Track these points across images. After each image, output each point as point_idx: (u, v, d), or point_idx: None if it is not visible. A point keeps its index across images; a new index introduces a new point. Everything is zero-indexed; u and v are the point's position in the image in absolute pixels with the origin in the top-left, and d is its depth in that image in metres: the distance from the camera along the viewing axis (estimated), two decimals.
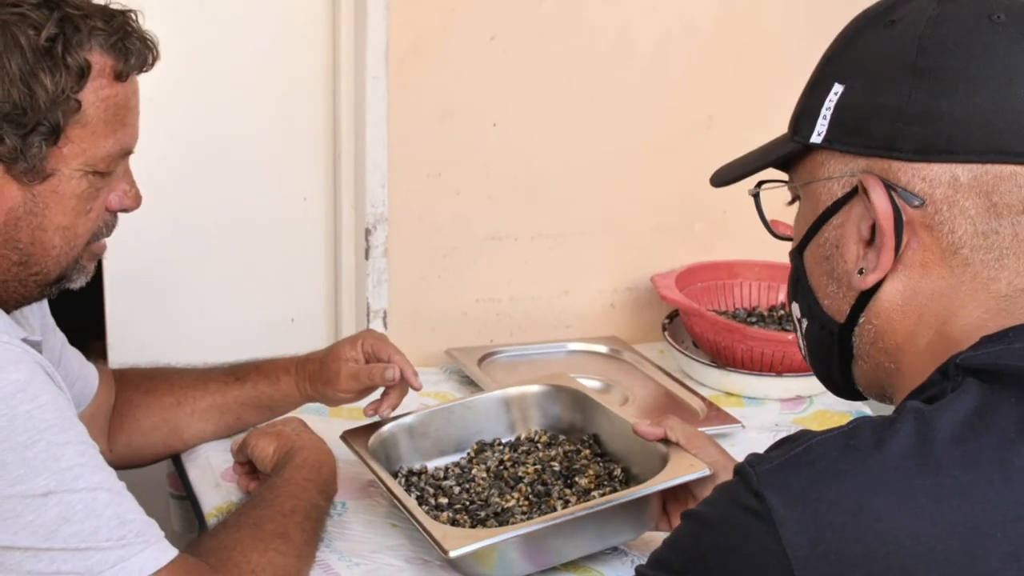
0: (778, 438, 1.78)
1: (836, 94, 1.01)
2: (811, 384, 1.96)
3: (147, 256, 1.95)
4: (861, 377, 1.07)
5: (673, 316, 2.15)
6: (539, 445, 1.64)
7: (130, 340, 1.96)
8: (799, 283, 1.08)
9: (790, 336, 1.96)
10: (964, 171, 0.95)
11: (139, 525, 1.21)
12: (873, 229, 0.99)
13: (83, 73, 1.22)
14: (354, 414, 1.85)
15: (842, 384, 1.09)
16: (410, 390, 1.63)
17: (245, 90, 1.95)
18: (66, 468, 1.18)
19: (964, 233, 0.96)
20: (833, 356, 1.07)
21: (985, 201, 0.95)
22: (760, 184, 1.13)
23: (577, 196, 2.12)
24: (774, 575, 0.88)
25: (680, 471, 1.42)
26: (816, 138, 1.01)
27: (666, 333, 2.09)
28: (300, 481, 1.43)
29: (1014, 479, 0.87)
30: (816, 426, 1.86)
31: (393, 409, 1.60)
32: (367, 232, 1.98)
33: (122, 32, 1.26)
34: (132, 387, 1.66)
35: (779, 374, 1.96)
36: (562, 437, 1.66)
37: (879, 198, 0.97)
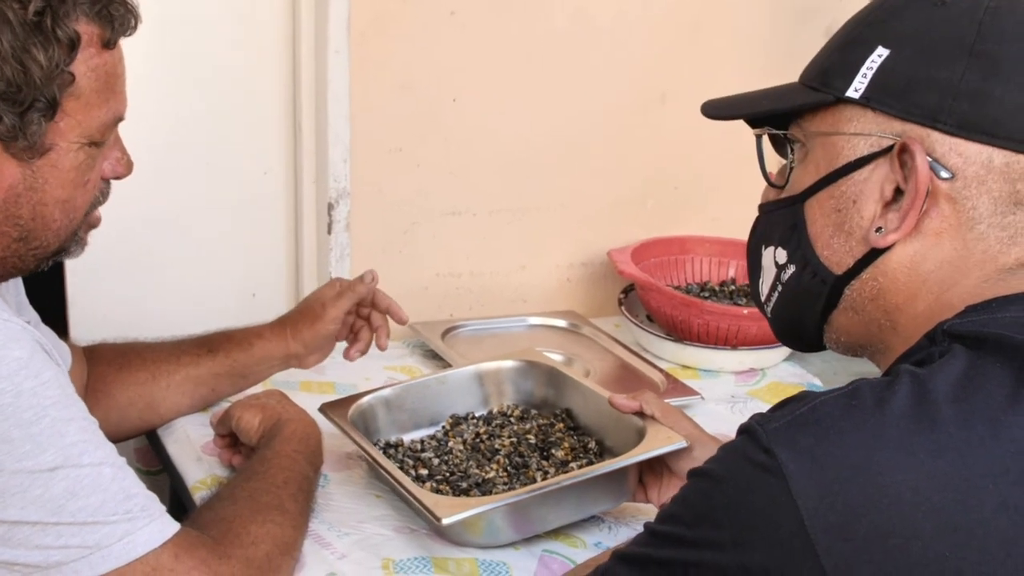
0: (734, 409, 1.87)
1: (880, 56, 1.03)
2: (764, 357, 2.02)
3: (107, 232, 1.90)
4: (843, 328, 1.11)
5: (628, 290, 2.18)
6: (512, 419, 1.66)
7: (91, 317, 1.95)
8: (794, 230, 1.10)
9: (745, 311, 2.01)
10: (999, 155, 1.00)
11: (143, 499, 1.22)
12: (896, 192, 1.03)
13: (74, 45, 1.21)
14: (324, 389, 1.87)
15: (809, 335, 1.14)
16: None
17: (205, 64, 1.94)
18: (71, 444, 1.18)
19: (985, 211, 1.01)
20: (815, 305, 1.11)
21: (1010, 187, 1.00)
22: (762, 127, 1.15)
23: (535, 172, 2.15)
24: (785, 525, 0.92)
25: (658, 443, 1.46)
26: (853, 93, 1.04)
27: (623, 307, 2.13)
28: (290, 453, 1.45)
29: (1003, 436, 0.92)
30: (769, 398, 1.93)
31: (382, 340, 1.71)
32: (329, 207, 1.99)
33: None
34: (105, 363, 1.65)
35: (734, 347, 2.01)
36: (534, 411, 1.69)
37: (922, 163, 1.01)
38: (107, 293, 1.96)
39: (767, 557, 0.93)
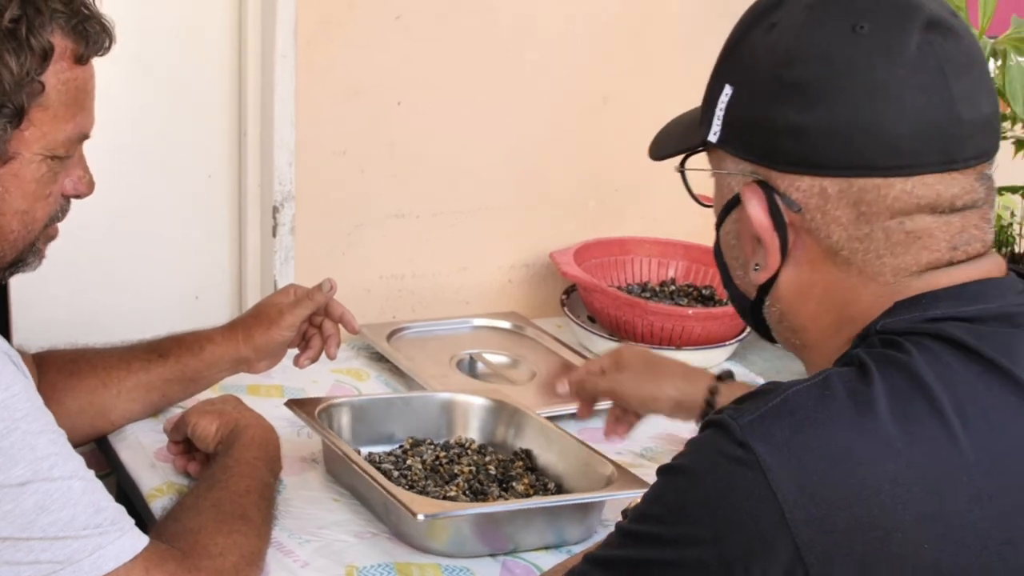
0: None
1: (727, 96, 1.04)
2: (709, 357, 2.05)
3: None
4: (780, 341, 1.14)
5: (570, 291, 2.21)
6: (470, 451, 1.66)
7: (33, 321, 1.93)
8: (718, 257, 1.13)
9: (690, 311, 2.04)
10: (831, 184, 1.00)
11: (113, 513, 1.21)
12: None
13: (46, 55, 1.21)
14: (272, 393, 1.87)
15: (770, 339, 1.16)
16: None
17: (149, 68, 1.93)
18: (42, 457, 1.17)
19: (840, 238, 1.01)
20: (753, 323, 1.14)
21: (854, 210, 1.00)
22: (684, 162, 1.15)
23: (477, 174, 2.16)
24: (764, 518, 0.92)
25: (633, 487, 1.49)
26: (712, 137, 1.05)
27: (565, 308, 2.15)
28: (250, 460, 1.45)
29: (971, 428, 0.94)
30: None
31: (332, 348, 1.71)
32: (275, 209, 1.99)
33: (81, 15, 1.26)
34: (55, 370, 1.64)
35: (678, 347, 2.04)
36: (491, 448, 1.68)
37: (755, 210, 1.02)
38: (50, 297, 1.94)
39: (748, 551, 0.93)
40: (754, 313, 1.11)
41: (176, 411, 1.68)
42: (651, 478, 1.55)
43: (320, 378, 1.93)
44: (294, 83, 1.93)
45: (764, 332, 1.14)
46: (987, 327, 0.99)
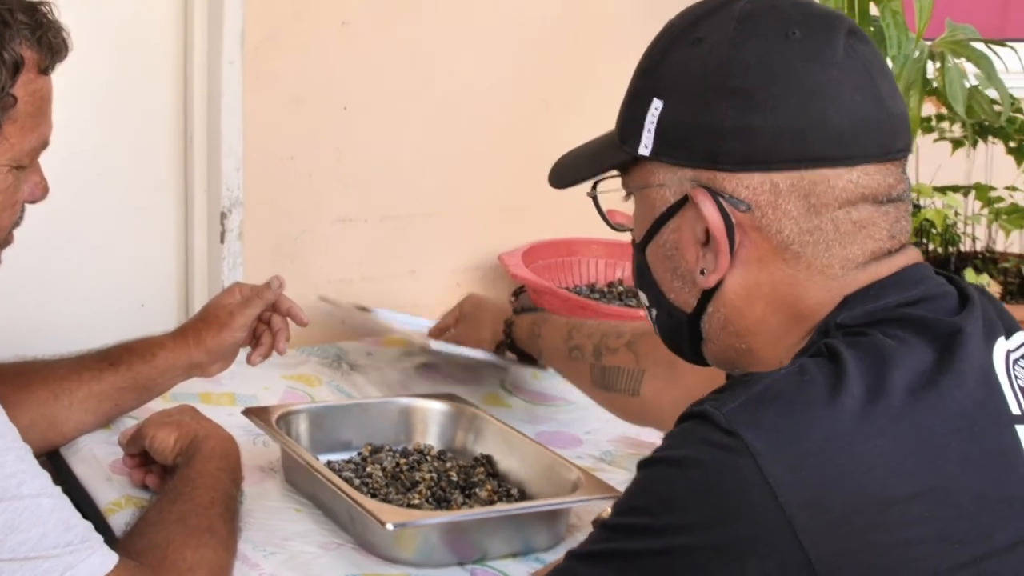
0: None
1: (657, 109, 1.06)
2: None
3: None
4: (710, 356, 1.13)
5: (518, 293, 2.21)
6: (429, 458, 1.66)
7: None
8: (643, 277, 1.13)
9: (640, 312, 2.05)
10: (782, 178, 1.02)
11: (82, 530, 1.19)
12: (708, 232, 1.05)
13: (18, 68, 1.19)
14: (224, 401, 1.85)
15: (696, 360, 1.16)
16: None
17: (95, 74, 1.90)
18: (10, 475, 1.15)
19: (790, 232, 1.03)
20: (683, 339, 1.13)
21: (804, 203, 1.02)
22: (596, 186, 1.18)
23: (424, 178, 2.16)
24: (758, 503, 0.92)
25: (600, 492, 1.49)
26: (644, 151, 1.06)
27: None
28: (213, 471, 1.43)
29: (946, 397, 0.96)
30: None
31: (281, 344, 1.70)
32: (222, 216, 1.98)
33: (43, 26, 1.24)
34: (3, 383, 1.60)
35: None
36: (450, 454, 1.68)
37: (709, 210, 1.03)
38: None
39: (742, 538, 0.93)
40: (691, 326, 1.10)
41: (130, 423, 1.66)
42: (614, 482, 1.59)
43: (271, 384, 1.91)
44: (241, 89, 1.91)
45: (693, 352, 1.14)
46: (933, 304, 1.04)
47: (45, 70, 1.23)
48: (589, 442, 1.80)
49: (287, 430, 1.59)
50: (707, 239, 1.05)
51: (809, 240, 1.03)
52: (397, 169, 2.12)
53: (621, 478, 1.67)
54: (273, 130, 1.99)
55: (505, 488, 1.59)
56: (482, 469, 1.63)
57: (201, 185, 1.98)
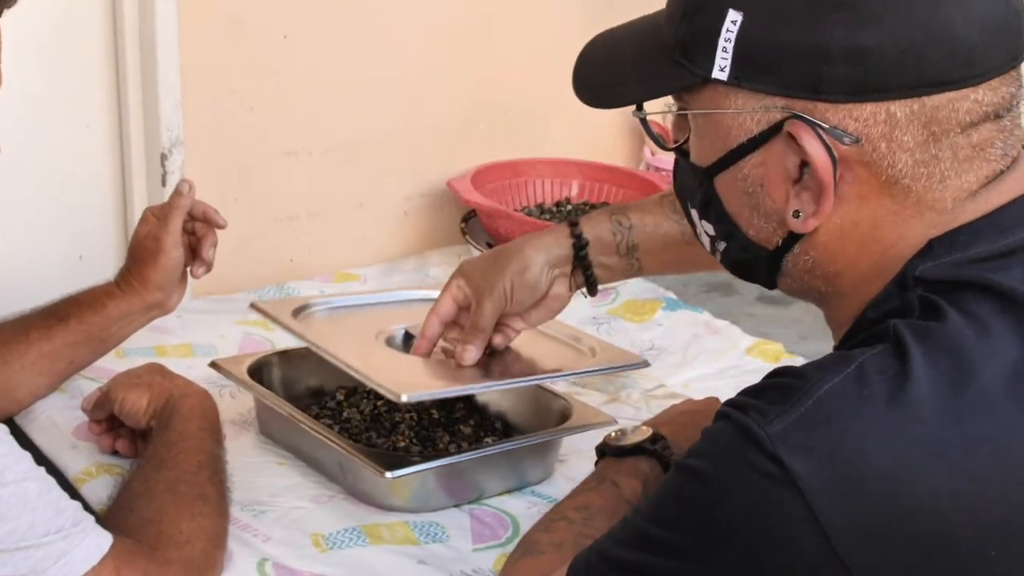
0: (601, 330, 1.85)
1: (735, 23, 0.92)
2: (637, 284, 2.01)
3: None
4: (786, 290, 1.05)
5: (468, 218, 2.15)
6: None
7: None
8: (712, 206, 1.01)
9: None
10: (899, 107, 0.90)
11: (72, 512, 1.12)
12: (802, 168, 0.93)
13: None
14: (182, 352, 1.77)
15: (765, 286, 1.07)
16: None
17: (13, 12, 1.77)
18: None
19: (904, 165, 0.92)
20: (759, 272, 1.04)
21: (924, 132, 0.91)
22: (641, 107, 1.06)
23: (367, 106, 2.07)
24: (807, 544, 0.84)
25: (590, 419, 1.45)
26: (720, 74, 0.93)
27: (467, 236, 2.09)
28: (195, 432, 1.36)
29: None
30: (628, 315, 1.92)
31: (207, 250, 1.59)
32: (163, 157, 1.87)
33: None
34: None
35: None
36: None
37: (813, 147, 0.91)
38: None
39: (784, 565, 0.86)
40: (771, 261, 1.00)
41: (88, 386, 1.58)
42: (593, 403, 1.54)
43: (226, 331, 1.84)
44: (176, 20, 1.80)
45: (766, 282, 1.04)
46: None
47: None
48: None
49: (260, 381, 1.52)
50: (800, 175, 0.94)
51: (923, 172, 0.92)
52: (339, 98, 2.03)
53: (598, 400, 1.64)
54: (211, 64, 1.88)
55: (490, 423, 1.53)
56: (461, 404, 1.57)
57: (138, 126, 1.87)
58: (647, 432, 1.31)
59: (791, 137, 0.93)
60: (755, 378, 1.73)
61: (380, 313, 1.60)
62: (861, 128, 0.91)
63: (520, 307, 1.41)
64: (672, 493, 0.94)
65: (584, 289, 1.44)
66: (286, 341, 1.79)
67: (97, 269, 1.92)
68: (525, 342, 1.48)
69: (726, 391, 1.67)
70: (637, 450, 1.29)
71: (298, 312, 1.56)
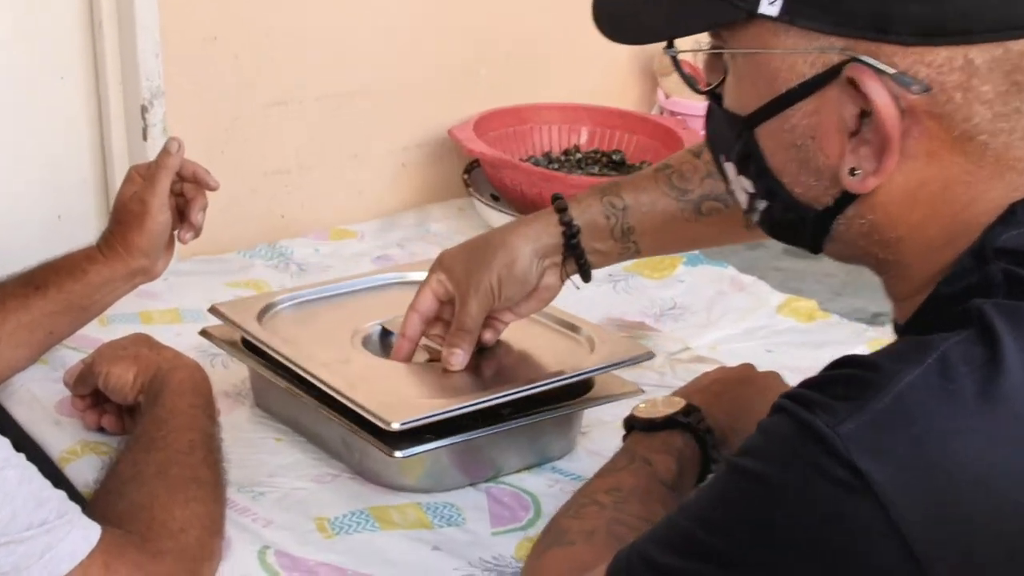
0: (617, 288, 1.74)
1: None
2: None
3: None
4: (835, 255, 0.93)
5: (470, 169, 2.03)
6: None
7: None
8: (752, 160, 0.90)
9: None
10: (979, 52, 0.80)
11: (56, 503, 1.01)
12: (861, 118, 0.83)
13: None
14: (169, 318, 1.66)
15: (810, 251, 0.95)
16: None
17: None
18: None
19: (981, 119, 0.82)
20: (803, 235, 0.92)
21: (1006, 81, 0.81)
22: (672, 43, 0.94)
23: (360, 52, 1.95)
24: (884, 559, 0.75)
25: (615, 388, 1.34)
26: (768, 8, 0.83)
27: (470, 188, 1.98)
28: (187, 409, 1.24)
29: None
30: (647, 270, 1.81)
31: (195, 213, 1.49)
32: (143, 109, 1.75)
33: None
34: None
35: None
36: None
37: (878, 95, 0.81)
38: None
39: None
40: (818, 223, 0.89)
41: (71, 356, 1.46)
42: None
43: (216, 295, 1.71)
44: None
45: (811, 246, 0.93)
46: None
47: None
48: None
49: (253, 348, 1.40)
50: (858, 127, 0.83)
51: (1003, 128, 0.82)
52: (332, 43, 1.91)
53: None
54: (193, 8, 1.76)
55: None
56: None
57: (115, 77, 1.75)
58: (679, 403, 1.20)
59: (851, 83, 0.82)
60: (788, 339, 1.67)
61: (353, 305, 1.46)
62: (934, 75, 0.81)
63: (509, 302, 1.30)
64: (726, 496, 0.83)
65: (577, 276, 1.33)
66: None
67: (77, 229, 1.81)
68: (516, 334, 1.37)
69: (757, 354, 1.63)
70: (669, 423, 1.19)
71: (263, 314, 1.41)
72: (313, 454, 1.34)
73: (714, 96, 0.93)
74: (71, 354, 1.49)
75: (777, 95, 0.86)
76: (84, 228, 1.83)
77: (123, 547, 1.04)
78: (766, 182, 0.90)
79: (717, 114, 0.94)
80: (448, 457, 1.26)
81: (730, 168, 0.95)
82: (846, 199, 0.87)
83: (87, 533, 1.02)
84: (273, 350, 1.33)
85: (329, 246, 1.89)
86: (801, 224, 0.90)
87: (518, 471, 1.32)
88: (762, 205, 0.92)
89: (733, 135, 0.91)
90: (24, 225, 1.78)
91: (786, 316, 1.69)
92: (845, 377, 0.79)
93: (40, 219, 1.80)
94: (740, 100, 0.90)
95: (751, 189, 0.93)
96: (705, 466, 1.19)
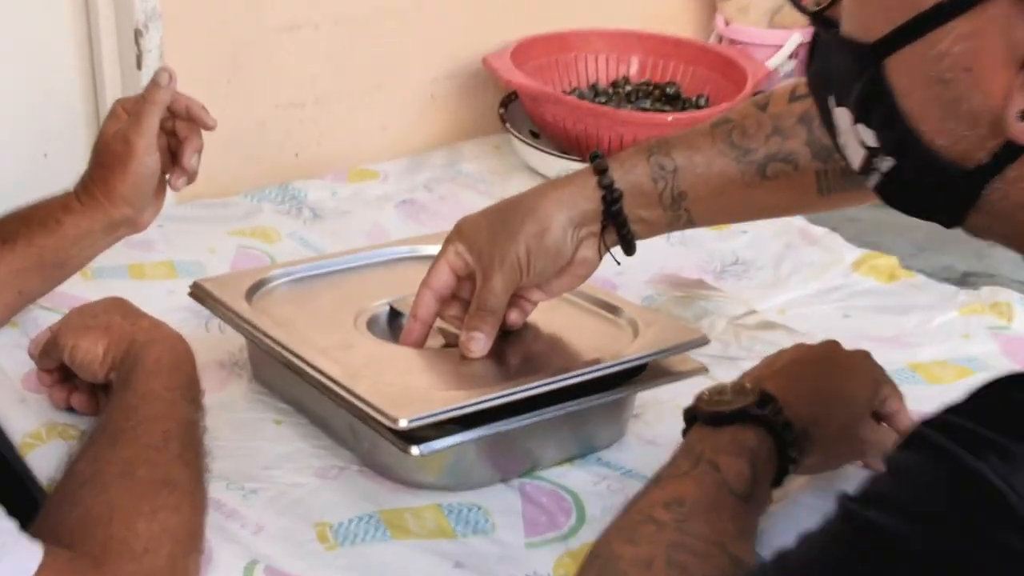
0: (671, 240, 1.54)
1: None
2: None
3: None
4: (981, 229, 0.75)
5: (507, 102, 1.84)
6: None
7: None
8: (878, 102, 0.73)
9: (669, 118, 1.68)
10: None
11: None
12: None
13: None
14: (162, 273, 1.48)
15: (943, 224, 0.76)
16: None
17: None
18: None
19: None
20: (942, 202, 0.74)
21: None
22: None
23: None
24: None
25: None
26: None
27: (507, 124, 1.79)
28: (161, 392, 1.05)
29: None
30: None
31: (188, 156, 1.31)
32: (137, 34, 1.59)
33: None
34: None
35: None
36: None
37: None
38: None
39: None
40: (966, 187, 0.71)
41: (44, 317, 1.29)
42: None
43: (217, 244, 1.55)
44: None
45: (948, 218, 0.75)
46: None
47: None
48: (623, 286, 1.44)
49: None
50: None
51: None
52: None
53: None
54: None
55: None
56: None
57: None
58: (752, 391, 1.00)
59: None
60: (867, 302, 1.47)
61: (358, 282, 1.28)
62: None
63: (539, 278, 1.12)
64: (852, 559, 0.63)
65: (618, 249, 1.14)
66: (285, 254, 1.49)
67: (64, 168, 1.62)
68: (546, 315, 1.17)
69: (832, 319, 1.42)
70: (740, 415, 0.98)
71: (254, 291, 1.23)
72: (316, 441, 1.15)
73: (824, 21, 0.75)
74: (46, 315, 1.31)
75: (919, 12, 0.68)
76: (73, 168, 1.63)
77: (71, 573, 0.85)
78: (896, 132, 0.72)
79: (828, 43, 0.77)
80: (474, 450, 1.07)
81: (843, 115, 0.76)
82: (1009, 154, 0.68)
83: (26, 559, 0.83)
84: (263, 333, 1.13)
85: (347, 188, 1.72)
86: (941, 189, 0.71)
87: (558, 463, 1.13)
88: (886, 164, 0.74)
89: (853, 70, 0.73)
90: (5, 164, 1.63)
91: (864, 275, 1.52)
92: (1013, 404, 0.61)
93: (24, 157, 1.65)
94: (865, 21, 0.72)
95: (873, 142, 0.74)
96: (782, 468, 1.00)
